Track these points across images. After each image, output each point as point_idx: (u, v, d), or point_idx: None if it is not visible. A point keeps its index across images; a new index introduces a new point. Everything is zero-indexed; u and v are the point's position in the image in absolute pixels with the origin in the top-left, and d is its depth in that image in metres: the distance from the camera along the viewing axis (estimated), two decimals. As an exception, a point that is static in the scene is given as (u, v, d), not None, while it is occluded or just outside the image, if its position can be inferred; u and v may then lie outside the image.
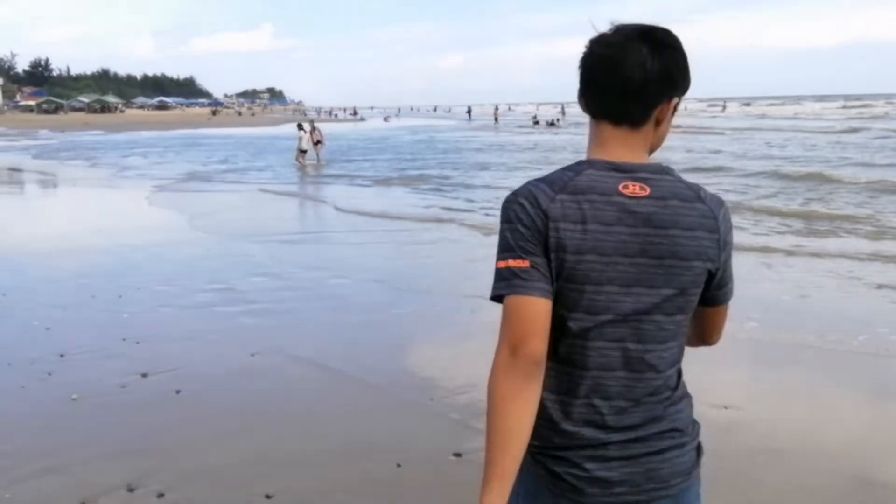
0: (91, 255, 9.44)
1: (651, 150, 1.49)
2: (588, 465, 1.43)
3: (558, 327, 1.41)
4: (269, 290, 7.45)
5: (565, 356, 1.43)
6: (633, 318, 1.41)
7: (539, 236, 1.38)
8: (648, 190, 1.40)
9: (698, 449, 1.54)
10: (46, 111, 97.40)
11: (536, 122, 59.47)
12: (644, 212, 1.39)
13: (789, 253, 9.10)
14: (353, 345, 5.73)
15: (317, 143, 24.20)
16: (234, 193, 17.06)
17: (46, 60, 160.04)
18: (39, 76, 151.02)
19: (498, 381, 1.37)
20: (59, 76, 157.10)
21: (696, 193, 1.44)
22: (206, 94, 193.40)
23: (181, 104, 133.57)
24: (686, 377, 1.56)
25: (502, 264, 1.40)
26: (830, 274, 7.94)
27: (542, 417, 1.42)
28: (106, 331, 6.14)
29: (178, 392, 4.72)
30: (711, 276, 1.46)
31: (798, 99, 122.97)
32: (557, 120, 59.83)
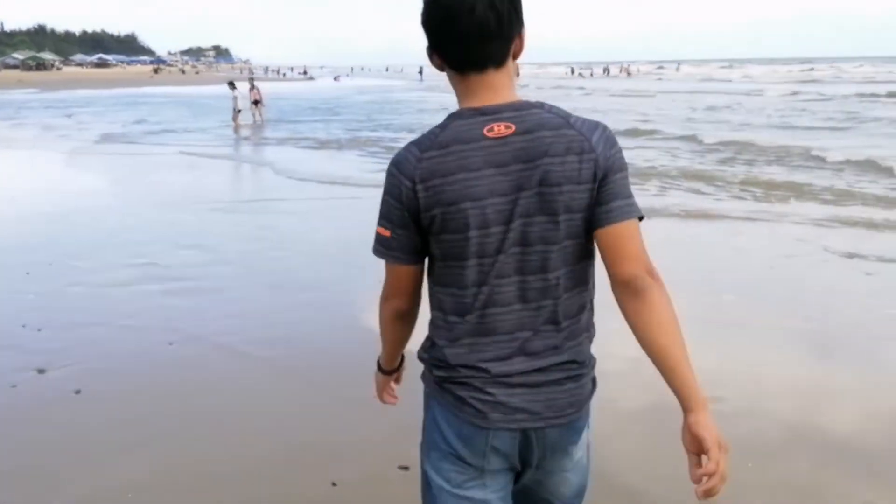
0: None
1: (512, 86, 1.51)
2: (492, 391, 1.50)
3: (451, 276, 1.51)
4: (196, 266, 6.71)
5: (462, 300, 1.51)
6: (519, 252, 1.47)
7: (406, 205, 1.48)
8: (514, 127, 1.44)
9: (593, 382, 1.61)
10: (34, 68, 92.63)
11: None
12: (511, 149, 1.43)
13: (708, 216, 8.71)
14: (290, 329, 5.08)
15: (255, 102, 22.80)
16: (164, 156, 15.97)
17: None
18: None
19: (381, 313, 1.70)
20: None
21: (566, 120, 1.47)
22: (149, 52, 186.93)
23: (122, 62, 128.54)
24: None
25: (378, 228, 1.56)
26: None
27: (447, 351, 1.54)
28: (5, 315, 5.39)
29: (77, 392, 4.02)
30: (592, 196, 1.46)
31: (748, 62, 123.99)
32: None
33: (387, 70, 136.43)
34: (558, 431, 1.54)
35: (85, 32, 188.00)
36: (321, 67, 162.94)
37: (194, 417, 3.78)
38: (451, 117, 1.48)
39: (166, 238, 7.81)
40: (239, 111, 22.13)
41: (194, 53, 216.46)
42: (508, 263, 1.47)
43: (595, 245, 1.51)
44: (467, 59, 1.45)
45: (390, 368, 1.87)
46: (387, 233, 1.54)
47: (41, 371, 4.30)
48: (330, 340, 4.88)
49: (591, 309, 1.59)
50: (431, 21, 1.45)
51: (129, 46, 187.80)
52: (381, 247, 1.57)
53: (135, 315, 5.31)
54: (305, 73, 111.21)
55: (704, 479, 1.36)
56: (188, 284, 6.08)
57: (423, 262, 1.58)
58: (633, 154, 13.43)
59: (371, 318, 1.84)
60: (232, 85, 22.23)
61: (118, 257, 6.94)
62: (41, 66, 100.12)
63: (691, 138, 17.26)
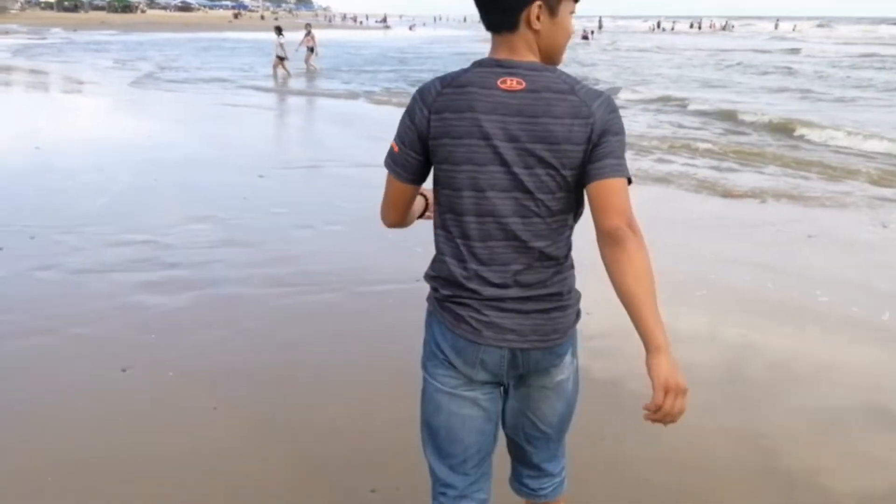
0: None
1: (546, 51, 1.65)
2: (487, 312, 1.69)
3: (452, 205, 1.68)
4: (201, 246, 5.51)
5: (462, 228, 1.68)
6: (513, 195, 1.63)
7: (418, 129, 1.65)
8: (524, 84, 1.60)
9: (577, 313, 1.79)
10: (66, 9, 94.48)
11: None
12: (517, 103, 1.59)
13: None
14: (294, 349, 3.84)
15: (309, 49, 21.44)
16: (198, 102, 15.06)
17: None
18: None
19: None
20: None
21: (571, 87, 1.61)
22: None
23: (204, 6, 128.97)
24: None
25: (392, 143, 1.73)
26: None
27: (449, 276, 1.71)
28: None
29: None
30: (585, 155, 1.60)
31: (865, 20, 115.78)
32: (592, 33, 54.53)
33: (465, 20, 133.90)
34: (541, 353, 1.74)
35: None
36: (400, 16, 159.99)
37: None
38: (475, 64, 1.66)
39: (179, 205, 6.65)
40: (281, 58, 20.51)
41: (277, 0, 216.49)
42: (507, 204, 1.64)
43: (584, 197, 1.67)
44: (486, 22, 1.66)
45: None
46: (397, 148, 1.71)
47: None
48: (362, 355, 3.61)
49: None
50: None
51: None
52: (391, 160, 1.73)
53: (96, 319, 4.13)
54: (385, 20, 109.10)
55: (648, 414, 1.50)
56: (180, 274, 4.89)
57: (418, 185, 1.75)
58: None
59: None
60: (279, 31, 20.67)
61: (113, 230, 5.81)
62: (127, 8, 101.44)
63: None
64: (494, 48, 1.66)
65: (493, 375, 1.75)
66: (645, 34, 65.96)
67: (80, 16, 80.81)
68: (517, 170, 1.60)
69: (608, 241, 1.56)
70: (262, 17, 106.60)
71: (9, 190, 7.21)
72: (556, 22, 1.62)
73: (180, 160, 8.85)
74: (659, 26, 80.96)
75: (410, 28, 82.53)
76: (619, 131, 1.63)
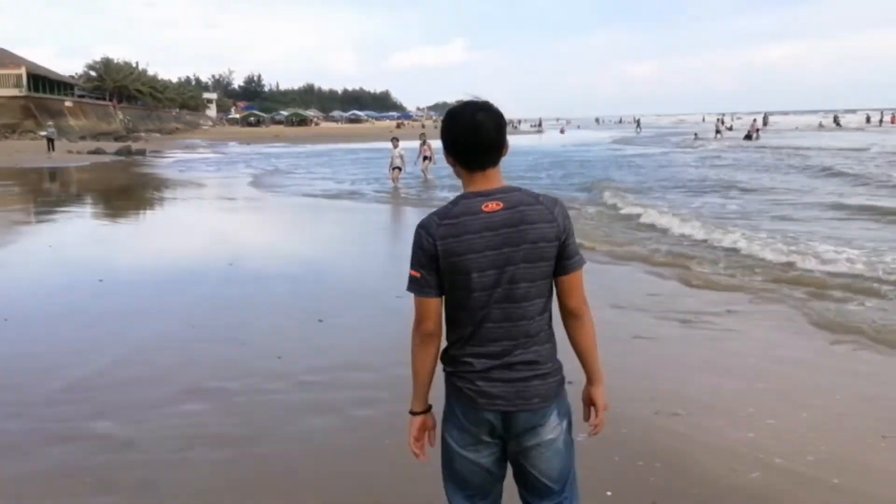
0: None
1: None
2: (479, 383, 2.23)
3: (459, 303, 2.24)
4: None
5: (466, 318, 2.24)
6: (506, 287, 2.19)
7: (429, 254, 2.21)
8: (502, 204, 2.19)
9: (561, 382, 2.32)
10: (250, 123, 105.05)
11: (718, 132, 53.45)
12: (500, 219, 2.18)
13: None
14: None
15: (425, 158, 21.99)
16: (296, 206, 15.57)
17: (259, 77, 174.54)
18: (252, 91, 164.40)
19: (412, 343, 2.32)
20: (270, 91, 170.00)
21: (536, 199, 2.22)
22: (399, 108, 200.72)
23: (373, 117, 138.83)
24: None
25: (411, 272, 2.25)
26: None
27: (454, 357, 2.29)
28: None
29: None
30: (557, 251, 2.22)
31: None
32: (758, 131, 50.29)
33: (597, 121, 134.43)
34: (527, 415, 2.24)
35: (346, 90, 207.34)
36: (556, 119, 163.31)
37: None
38: (460, 197, 2.25)
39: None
40: (396, 168, 21.13)
41: (440, 108, 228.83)
42: (500, 295, 2.20)
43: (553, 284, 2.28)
44: (477, 163, 2.22)
45: (422, 408, 2.38)
46: (417, 274, 2.23)
47: None
48: None
49: (551, 325, 2.32)
50: (448, 135, 2.24)
51: (382, 103, 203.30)
52: (415, 285, 2.25)
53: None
54: (540, 124, 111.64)
55: (592, 427, 2.42)
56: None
57: (442, 296, 2.26)
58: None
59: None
60: (394, 142, 21.45)
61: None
62: (303, 121, 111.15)
63: None
64: (472, 183, 2.24)
65: (492, 433, 2.29)
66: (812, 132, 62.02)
67: (260, 130, 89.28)
68: (508, 268, 2.18)
69: (571, 316, 2.32)
70: (423, 126, 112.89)
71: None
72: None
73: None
74: (836, 121, 75.85)
75: (561, 131, 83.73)
76: (573, 232, 2.27)
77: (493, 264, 2.17)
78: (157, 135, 68.02)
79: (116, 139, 51.43)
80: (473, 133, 2.19)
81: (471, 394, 2.23)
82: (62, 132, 51.16)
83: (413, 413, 2.38)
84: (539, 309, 2.24)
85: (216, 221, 15.38)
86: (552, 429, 2.26)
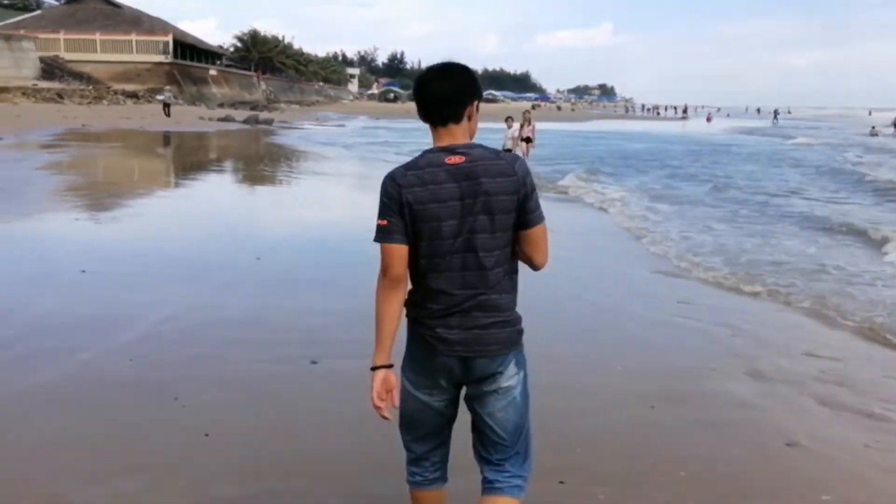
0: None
1: (472, 135, 2.39)
2: (438, 330, 2.31)
3: (421, 251, 2.29)
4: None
5: (427, 267, 2.31)
6: (466, 237, 2.27)
7: (395, 202, 2.27)
8: (464, 158, 2.28)
9: (519, 332, 2.39)
10: (388, 99, 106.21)
11: (874, 134, 47.90)
12: (462, 171, 2.26)
13: None
14: None
15: (526, 139, 19.48)
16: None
17: (402, 54, 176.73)
18: (395, 69, 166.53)
19: (377, 291, 2.34)
20: (412, 69, 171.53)
21: (497, 154, 2.32)
22: (539, 90, 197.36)
23: (508, 97, 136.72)
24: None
25: (378, 222, 2.30)
26: None
27: (415, 303, 2.37)
28: None
29: None
30: (518, 204, 2.29)
31: None
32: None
33: (746, 110, 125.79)
34: (486, 361, 2.32)
35: (486, 70, 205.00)
36: (702, 107, 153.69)
37: None
38: (426, 152, 2.33)
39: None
40: (507, 150, 19.20)
41: (580, 91, 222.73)
42: (460, 244, 2.27)
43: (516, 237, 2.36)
44: (438, 117, 2.32)
45: (384, 362, 2.36)
46: (385, 222, 2.28)
47: None
48: None
49: (514, 278, 2.40)
50: (415, 94, 2.35)
51: (522, 84, 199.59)
52: (382, 233, 2.29)
53: None
54: (685, 111, 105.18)
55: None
56: None
57: (408, 244, 2.30)
58: None
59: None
60: (508, 121, 19.56)
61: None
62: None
63: None
64: (437, 139, 2.35)
65: (449, 379, 2.42)
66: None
67: (394, 106, 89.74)
68: (469, 219, 2.28)
69: (533, 265, 2.44)
70: (559, 108, 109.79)
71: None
72: (477, 114, 2.40)
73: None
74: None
75: (708, 119, 78.37)
76: (534, 187, 2.36)
77: (454, 214, 2.26)
78: (297, 106, 69.49)
79: (253, 108, 52.46)
80: (425, 88, 2.32)
81: (430, 339, 2.33)
82: (203, 99, 53.18)
83: (375, 368, 2.38)
84: (498, 260, 2.31)
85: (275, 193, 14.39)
86: (510, 377, 2.37)
